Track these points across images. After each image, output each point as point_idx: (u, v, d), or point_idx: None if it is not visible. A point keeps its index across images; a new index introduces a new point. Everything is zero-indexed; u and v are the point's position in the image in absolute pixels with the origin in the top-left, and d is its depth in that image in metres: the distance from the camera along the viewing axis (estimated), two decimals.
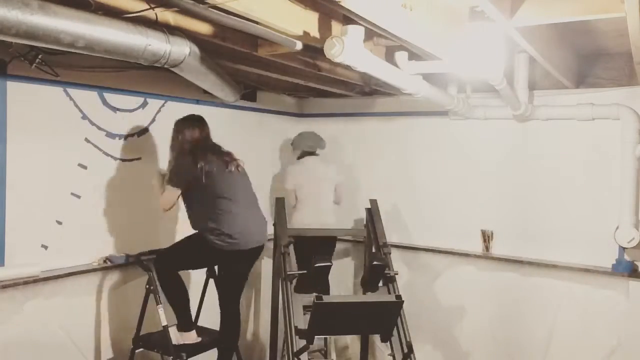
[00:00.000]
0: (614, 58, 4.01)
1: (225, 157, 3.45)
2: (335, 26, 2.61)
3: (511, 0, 2.41)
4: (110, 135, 3.47)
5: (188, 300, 3.49)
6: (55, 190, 3.18)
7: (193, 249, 3.40)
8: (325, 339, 4.42)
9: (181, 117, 3.49)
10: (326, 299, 3.17)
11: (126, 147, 3.58)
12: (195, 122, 3.47)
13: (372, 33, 2.71)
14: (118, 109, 3.52)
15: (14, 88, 2.93)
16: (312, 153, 4.50)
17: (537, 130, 4.13)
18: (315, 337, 3.28)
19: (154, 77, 3.53)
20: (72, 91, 3.23)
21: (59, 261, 3.18)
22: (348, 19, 2.33)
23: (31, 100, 3.03)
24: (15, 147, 2.96)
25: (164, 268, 3.36)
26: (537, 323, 4.11)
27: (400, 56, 3.04)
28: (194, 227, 3.42)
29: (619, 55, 3.94)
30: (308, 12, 2.47)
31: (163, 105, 3.83)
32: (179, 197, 3.36)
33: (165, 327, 3.27)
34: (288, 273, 3.63)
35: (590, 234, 3.94)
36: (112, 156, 3.49)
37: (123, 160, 3.57)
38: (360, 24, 2.33)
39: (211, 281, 3.80)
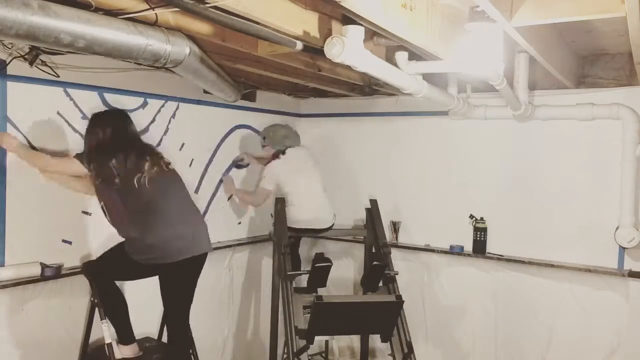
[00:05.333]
0: (614, 58, 4.02)
1: (148, 158, 3.06)
2: (335, 26, 2.61)
3: (511, 0, 2.41)
4: None
5: (127, 311, 3.21)
6: (55, 190, 3.18)
7: (121, 259, 3.07)
8: (326, 342, 4.42)
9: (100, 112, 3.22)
10: (326, 299, 3.18)
11: None
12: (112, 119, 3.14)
13: (372, 33, 2.72)
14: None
15: (14, 88, 2.93)
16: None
17: (537, 130, 4.13)
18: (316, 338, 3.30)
19: (154, 77, 3.53)
20: (72, 91, 3.22)
21: (59, 261, 3.18)
22: (348, 19, 2.33)
23: (31, 100, 3.03)
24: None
25: (98, 277, 3.13)
26: (537, 323, 4.11)
27: (400, 56, 3.04)
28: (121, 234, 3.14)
29: (619, 55, 3.95)
30: (308, 12, 2.47)
31: (163, 106, 3.83)
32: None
33: (109, 345, 3.04)
34: (288, 273, 3.64)
35: (591, 234, 3.94)
36: None
37: None
38: (360, 24, 2.33)
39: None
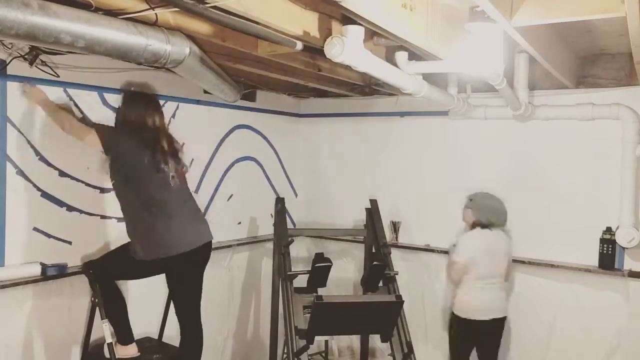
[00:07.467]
0: (614, 58, 4.02)
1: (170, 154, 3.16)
2: (335, 26, 2.61)
3: (511, 0, 2.41)
4: None
5: (126, 312, 3.21)
6: (54, 190, 3.18)
7: (124, 258, 3.12)
8: (326, 342, 4.42)
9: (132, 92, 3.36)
10: (326, 299, 3.18)
11: None
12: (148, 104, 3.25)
13: (372, 33, 2.72)
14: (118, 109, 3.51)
15: (14, 88, 2.92)
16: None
17: (537, 130, 4.13)
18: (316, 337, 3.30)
19: (154, 77, 3.53)
20: (72, 91, 3.22)
21: (59, 261, 3.18)
22: (348, 19, 2.33)
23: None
24: (14, 147, 2.96)
25: (99, 277, 3.12)
26: (537, 323, 4.11)
27: (400, 56, 3.04)
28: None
29: (619, 55, 3.95)
30: (308, 12, 2.48)
31: (163, 106, 3.81)
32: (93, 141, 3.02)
33: (110, 345, 3.05)
34: (288, 273, 3.64)
35: (591, 234, 3.93)
36: None
37: None
38: (360, 24, 2.33)
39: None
